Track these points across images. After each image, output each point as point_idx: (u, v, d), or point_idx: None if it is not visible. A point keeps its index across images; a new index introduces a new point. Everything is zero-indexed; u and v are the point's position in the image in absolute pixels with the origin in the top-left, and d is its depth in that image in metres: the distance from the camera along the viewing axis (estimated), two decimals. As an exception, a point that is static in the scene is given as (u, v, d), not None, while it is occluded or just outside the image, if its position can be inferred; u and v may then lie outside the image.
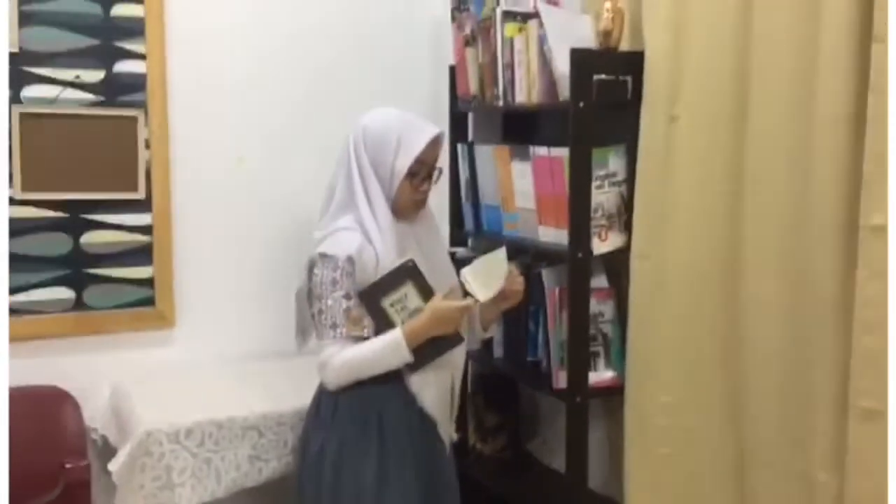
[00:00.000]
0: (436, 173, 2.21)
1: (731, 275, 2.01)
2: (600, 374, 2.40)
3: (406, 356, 2.05)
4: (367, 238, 2.08)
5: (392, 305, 2.08)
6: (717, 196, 2.03)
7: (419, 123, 2.17)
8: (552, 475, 2.77)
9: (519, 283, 2.23)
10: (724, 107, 2.00)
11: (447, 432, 2.26)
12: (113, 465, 2.21)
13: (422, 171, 2.15)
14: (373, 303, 2.07)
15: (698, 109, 2.06)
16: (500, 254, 2.20)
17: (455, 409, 2.29)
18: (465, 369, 2.80)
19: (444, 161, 2.75)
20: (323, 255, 2.06)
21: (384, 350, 2.05)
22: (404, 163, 2.10)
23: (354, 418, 2.09)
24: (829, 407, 1.74)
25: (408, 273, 2.08)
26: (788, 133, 1.82)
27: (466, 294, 2.16)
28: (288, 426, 2.36)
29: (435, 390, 2.17)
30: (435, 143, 2.16)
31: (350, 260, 2.04)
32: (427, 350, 2.09)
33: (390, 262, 2.08)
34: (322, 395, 2.14)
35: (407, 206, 2.17)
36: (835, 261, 1.71)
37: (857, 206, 1.63)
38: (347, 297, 2.05)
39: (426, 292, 2.09)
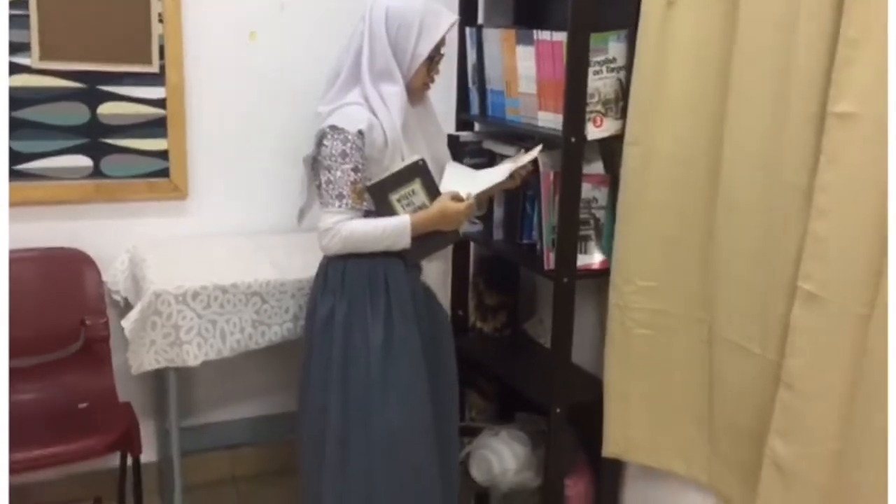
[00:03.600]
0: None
1: (711, 162, 2.04)
2: (590, 257, 2.47)
3: (407, 242, 2.18)
4: (373, 114, 2.15)
5: (399, 200, 2.19)
6: (707, 83, 2.05)
7: (437, 8, 2.23)
8: (543, 352, 2.89)
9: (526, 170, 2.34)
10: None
11: (446, 305, 2.40)
12: (125, 322, 2.37)
13: (436, 55, 2.23)
14: (381, 196, 2.18)
15: (695, -8, 2.06)
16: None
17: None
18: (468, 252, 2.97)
19: (452, 44, 2.81)
20: (333, 128, 2.13)
21: (391, 231, 2.16)
22: (426, 47, 2.18)
23: (363, 283, 2.21)
24: (784, 291, 1.80)
25: (417, 171, 2.18)
26: (775, 18, 1.80)
27: None
28: (289, 294, 2.50)
29: (435, 265, 2.30)
30: (451, 28, 2.23)
31: (360, 134, 2.12)
32: (426, 243, 2.23)
33: (398, 138, 2.17)
34: (329, 262, 2.25)
35: (419, 88, 2.26)
36: (805, 150, 1.73)
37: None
38: (355, 169, 2.13)
39: (432, 191, 2.20)
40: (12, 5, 2.49)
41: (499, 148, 2.74)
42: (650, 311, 2.27)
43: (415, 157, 2.19)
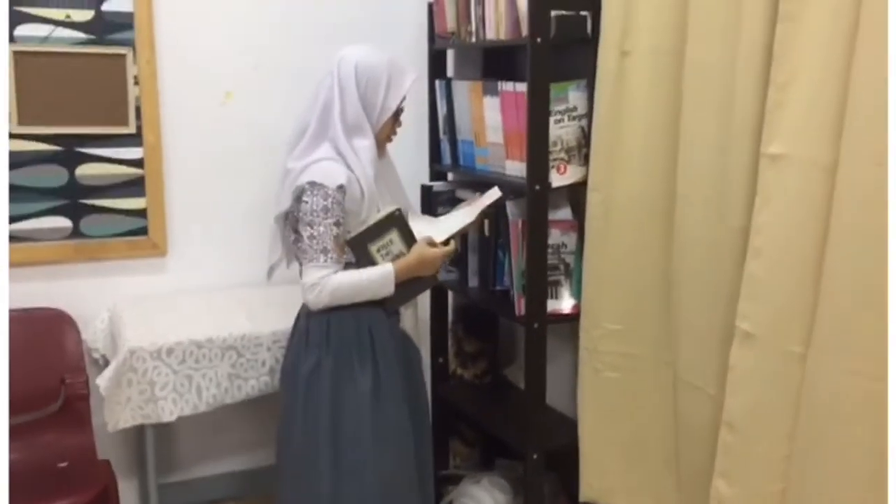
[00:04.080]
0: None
1: (667, 207, 2.08)
2: (561, 302, 2.51)
3: (391, 290, 2.23)
4: (348, 168, 2.21)
5: (378, 250, 2.26)
6: (659, 130, 2.10)
7: (402, 65, 2.31)
8: (523, 397, 2.89)
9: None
10: (665, 41, 2.04)
11: (420, 348, 2.51)
12: (101, 380, 2.39)
13: (400, 109, 2.31)
14: (361, 247, 2.24)
15: (645, 44, 2.11)
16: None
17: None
18: (445, 299, 3.01)
19: (422, 97, 2.89)
20: (313, 184, 2.17)
21: (376, 281, 2.22)
22: (394, 101, 2.27)
23: (349, 337, 2.24)
24: (728, 332, 1.81)
25: (394, 221, 2.26)
26: (717, 65, 1.86)
27: None
28: (265, 347, 2.52)
29: (410, 312, 2.39)
30: (414, 83, 2.32)
31: (341, 189, 2.17)
32: (406, 289, 2.29)
33: (374, 191, 2.23)
34: (311, 317, 2.27)
35: (384, 140, 2.34)
36: (744, 192, 1.76)
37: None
38: (337, 224, 2.18)
39: (409, 239, 2.28)
40: (-11, 73, 2.56)
41: (471, 197, 2.78)
42: (618, 355, 2.29)
43: (391, 208, 2.26)
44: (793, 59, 1.59)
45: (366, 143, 2.24)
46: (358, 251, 2.24)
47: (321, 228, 2.16)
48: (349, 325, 2.24)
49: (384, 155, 2.36)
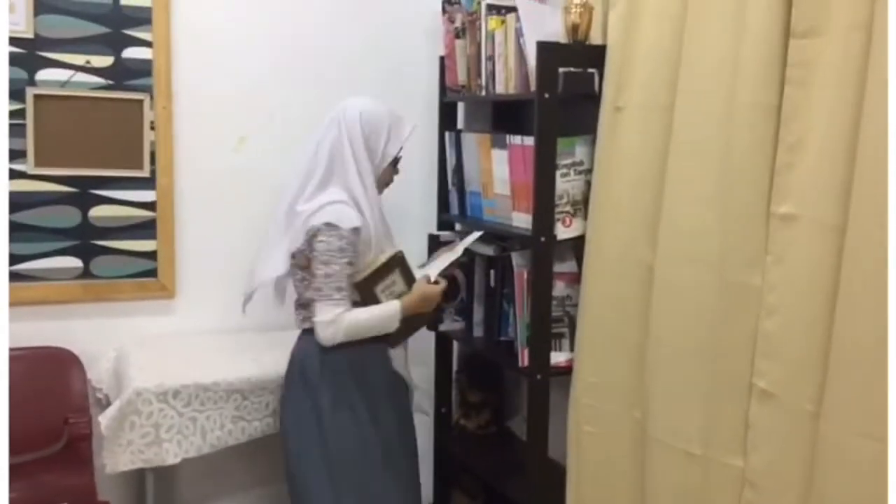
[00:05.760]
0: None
1: (651, 262, 2.10)
2: (564, 354, 2.51)
3: (397, 325, 2.34)
4: (359, 210, 2.30)
5: (382, 291, 2.35)
6: (646, 186, 2.12)
7: (401, 115, 2.44)
8: (524, 448, 2.88)
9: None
10: (657, 97, 2.08)
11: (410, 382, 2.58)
12: (103, 419, 2.40)
13: (399, 156, 2.43)
14: (368, 290, 2.33)
15: (637, 100, 2.15)
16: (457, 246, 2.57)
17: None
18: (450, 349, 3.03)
19: (432, 148, 2.94)
20: (328, 225, 2.25)
21: (386, 318, 2.32)
22: (393, 149, 2.41)
23: (345, 375, 2.33)
24: (733, 389, 1.81)
25: (398, 263, 2.38)
26: (709, 123, 1.88)
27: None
28: (269, 390, 2.54)
29: (399, 353, 2.48)
30: (412, 133, 2.44)
31: (356, 231, 2.27)
32: (409, 324, 2.40)
33: (379, 234, 2.34)
34: (305, 359, 2.35)
35: (382, 185, 2.45)
36: (750, 248, 1.78)
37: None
38: (350, 263, 2.27)
39: (409, 279, 2.39)
40: (11, 115, 2.62)
41: (477, 247, 2.81)
42: (593, 408, 2.31)
43: (393, 251, 2.36)
44: (802, 122, 1.62)
45: (373, 189, 2.34)
46: (364, 292, 2.32)
47: (336, 267, 2.24)
48: (343, 365, 2.32)
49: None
